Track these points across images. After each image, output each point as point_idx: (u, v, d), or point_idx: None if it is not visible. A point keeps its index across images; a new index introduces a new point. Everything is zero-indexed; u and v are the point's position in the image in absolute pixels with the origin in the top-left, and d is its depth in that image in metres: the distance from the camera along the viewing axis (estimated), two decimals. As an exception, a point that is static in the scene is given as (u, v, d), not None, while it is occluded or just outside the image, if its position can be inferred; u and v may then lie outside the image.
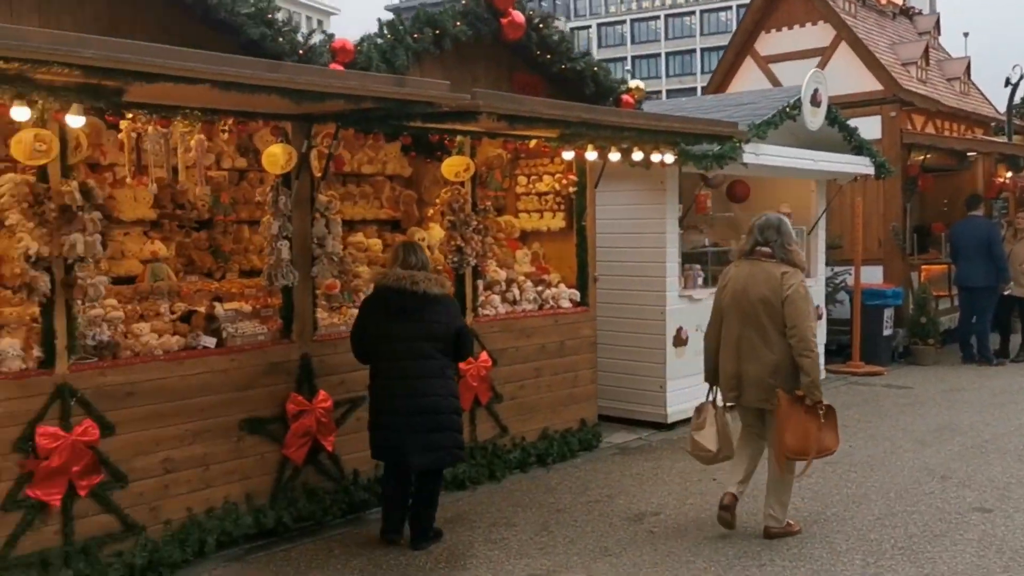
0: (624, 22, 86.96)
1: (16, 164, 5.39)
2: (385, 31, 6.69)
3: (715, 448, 6.30)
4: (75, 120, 4.93)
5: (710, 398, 6.44)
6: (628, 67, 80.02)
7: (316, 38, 6.18)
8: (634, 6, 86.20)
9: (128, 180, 5.97)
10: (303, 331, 6.64)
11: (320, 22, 74.94)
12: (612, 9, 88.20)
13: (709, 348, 6.40)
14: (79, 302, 5.40)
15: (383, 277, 6.22)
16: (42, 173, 5.32)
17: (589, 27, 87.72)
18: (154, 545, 5.73)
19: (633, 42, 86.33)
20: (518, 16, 7.54)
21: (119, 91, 4.70)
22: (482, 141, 8.12)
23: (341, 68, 6.08)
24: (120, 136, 5.75)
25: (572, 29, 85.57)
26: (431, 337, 6.02)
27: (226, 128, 6.07)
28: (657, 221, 9.55)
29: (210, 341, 6.17)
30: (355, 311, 7.07)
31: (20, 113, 4.53)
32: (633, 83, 8.76)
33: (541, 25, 7.80)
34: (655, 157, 8.20)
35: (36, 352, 5.36)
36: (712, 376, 6.41)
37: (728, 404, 6.34)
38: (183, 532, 5.90)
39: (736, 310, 6.16)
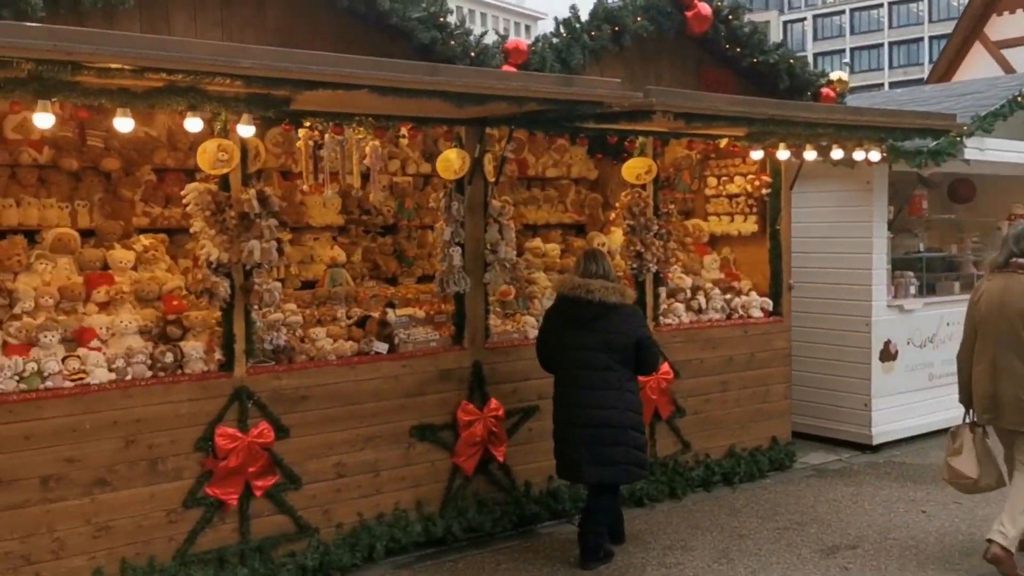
0: (843, 12, 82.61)
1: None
2: (561, 30, 6.47)
3: (975, 475, 5.76)
4: (246, 130, 5.04)
5: (967, 420, 5.89)
6: (847, 59, 75.90)
7: (489, 40, 6.05)
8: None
9: (305, 187, 6.08)
10: (475, 338, 6.54)
11: (528, 27, 76.17)
12: (830, 0, 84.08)
13: (962, 367, 5.88)
14: (255, 307, 5.52)
15: (562, 285, 6.04)
16: (224, 182, 5.49)
17: (804, 19, 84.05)
18: (325, 548, 5.80)
19: (852, 32, 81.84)
20: (704, 8, 7.11)
21: (287, 100, 4.75)
22: (669, 142, 7.75)
23: (513, 70, 5.91)
24: (298, 144, 5.86)
25: (786, 22, 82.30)
26: (608, 347, 5.77)
27: (401, 134, 6.05)
28: (863, 224, 8.77)
29: (382, 347, 6.19)
30: (529, 318, 6.93)
31: (193, 124, 4.66)
32: (835, 75, 8.08)
33: (730, 17, 7.33)
34: (858, 155, 7.51)
35: (217, 355, 5.55)
36: (966, 397, 5.85)
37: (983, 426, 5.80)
38: (353, 536, 5.94)
39: (991, 326, 5.59)
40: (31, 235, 6.28)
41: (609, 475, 5.81)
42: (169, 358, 5.38)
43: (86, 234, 6.34)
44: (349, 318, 6.48)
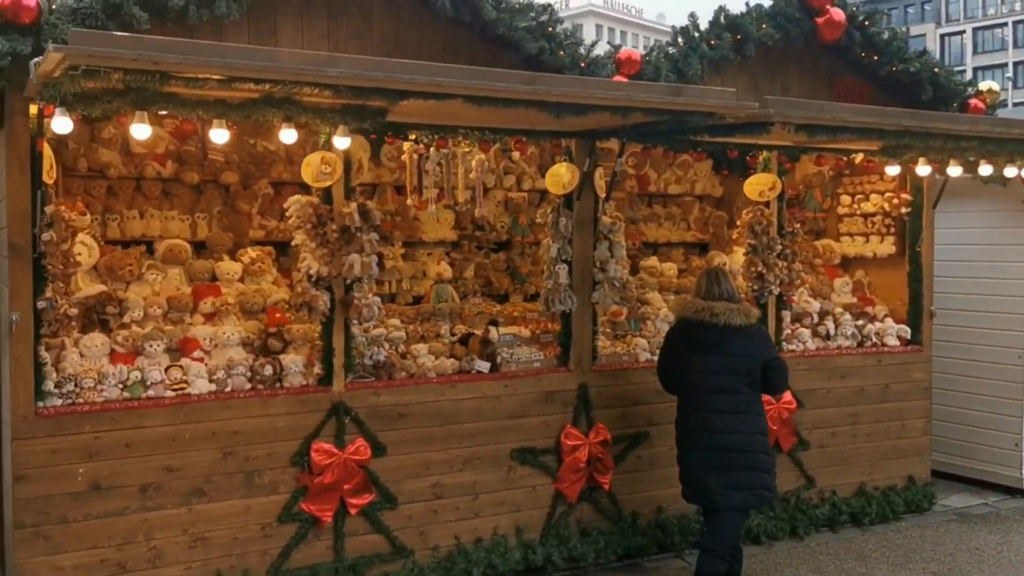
0: (1005, 24, 77.99)
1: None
2: (679, 39, 6.16)
3: None
4: (342, 142, 4.97)
5: None
6: (1009, 73, 71.54)
7: (600, 49, 5.81)
8: (1017, 7, 77.06)
9: (408, 201, 5.99)
10: (581, 360, 6.28)
11: (656, 43, 75.04)
12: (991, 12, 79.56)
13: None
14: (355, 321, 5.44)
15: (683, 307, 5.73)
16: (327, 195, 5.45)
17: (963, 32, 79.81)
18: (420, 570, 5.66)
19: (1016, 46, 77.13)
20: (837, 13, 6.65)
21: (382, 111, 4.65)
22: (800, 158, 7.30)
23: (624, 80, 5.65)
24: (403, 158, 5.78)
25: (943, 35, 78.33)
26: (734, 371, 5.50)
27: (508, 147, 5.89)
28: (1016, 248, 8.02)
29: (484, 366, 6.01)
30: (641, 340, 6.63)
31: (288, 135, 4.62)
32: (984, 85, 7.42)
33: (866, 22, 6.83)
34: (1009, 171, 6.86)
35: (316, 369, 5.50)
36: None
37: None
38: (449, 560, 5.77)
39: None
40: (152, 246, 6.46)
41: (741, 500, 5.52)
42: (268, 371, 5.36)
43: (201, 246, 6.47)
44: (453, 335, 6.35)
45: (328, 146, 5.34)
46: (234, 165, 7.33)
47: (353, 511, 5.50)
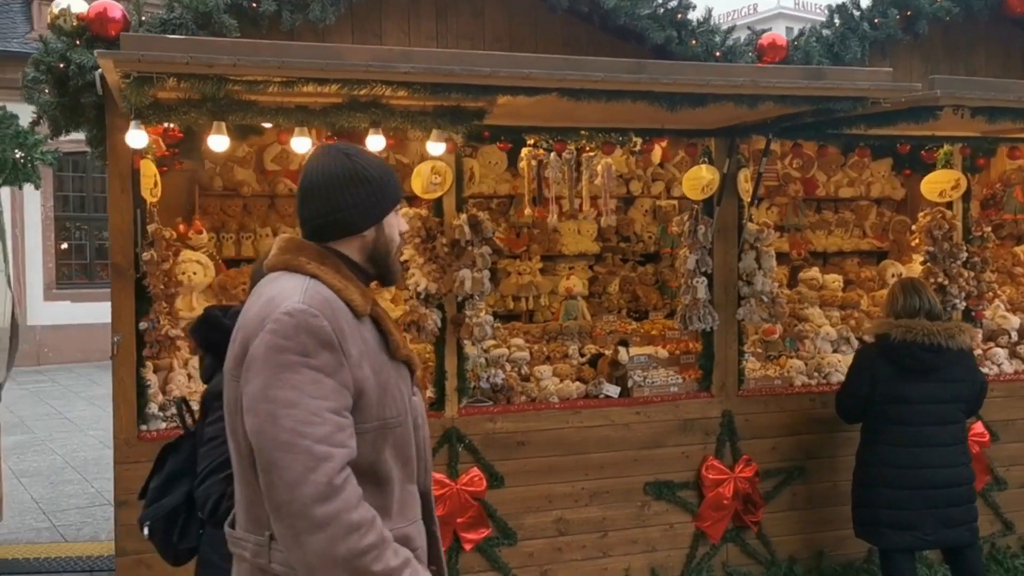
0: None
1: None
2: (835, 19, 5.40)
3: None
4: (435, 147, 4.59)
5: None
6: None
7: (738, 36, 5.17)
8: None
9: (527, 211, 5.54)
10: (725, 384, 5.61)
11: (809, 26, 71.04)
12: None
13: None
14: (467, 341, 5.06)
15: (888, 328, 4.90)
16: (437, 207, 5.10)
17: None
18: (542, 613, 5.17)
19: None
20: (1030, -20, 5.67)
21: (480, 112, 4.24)
22: (997, 151, 6.33)
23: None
24: (521, 165, 5.36)
25: None
26: (956, 399, 4.89)
27: (635, 148, 5.34)
28: None
29: (613, 390, 5.47)
30: (797, 362, 5.88)
31: (376, 142, 4.29)
32: None
33: (1068, -11, 5.79)
34: None
35: (428, 392, 5.14)
36: None
37: None
38: (575, 603, 5.26)
39: None
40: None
41: (956, 537, 4.87)
42: (377, 394, 5.05)
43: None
44: (582, 355, 5.84)
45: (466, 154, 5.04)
46: (366, 179, 7.16)
47: (468, 547, 5.10)
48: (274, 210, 7.14)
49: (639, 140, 5.32)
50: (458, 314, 5.09)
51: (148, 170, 4.62)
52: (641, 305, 7.55)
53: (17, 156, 6.49)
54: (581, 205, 5.33)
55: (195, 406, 4.75)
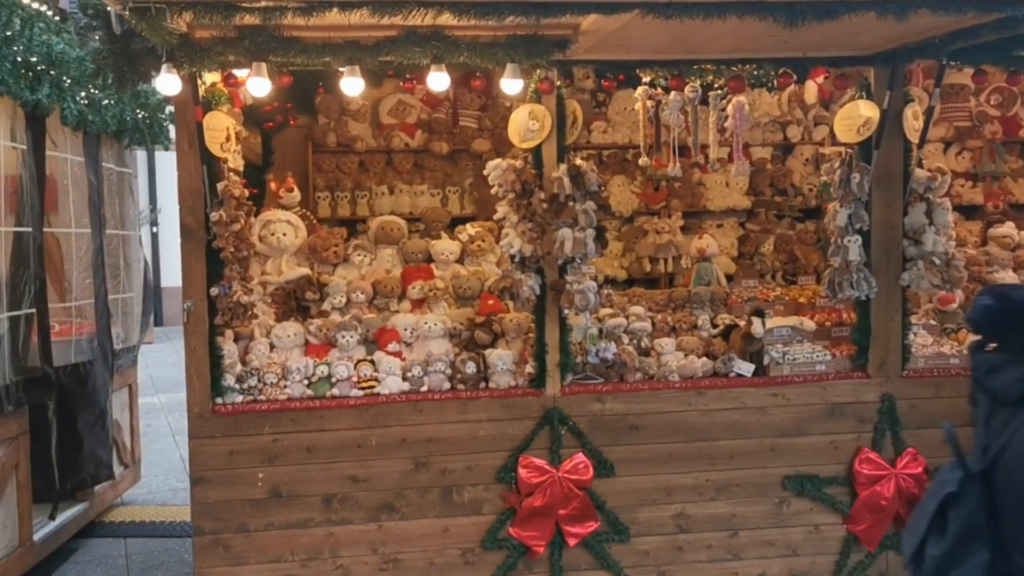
0: None
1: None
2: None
3: None
4: (511, 85, 3.95)
5: None
6: None
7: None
8: None
9: (642, 160, 4.79)
10: (885, 362, 4.71)
11: None
12: None
13: None
14: (567, 310, 4.43)
15: None
16: (537, 158, 4.48)
17: None
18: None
19: None
20: None
21: (562, 43, 3.57)
22: None
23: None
24: (636, 107, 4.63)
25: None
26: None
27: (771, 84, 4.51)
28: None
29: (746, 368, 4.69)
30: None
31: (438, 80, 3.69)
32: None
33: None
34: None
35: (528, 368, 4.57)
36: None
37: None
38: (699, 610, 4.58)
39: None
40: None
41: None
42: (470, 368, 4.54)
43: (459, 221, 5.81)
44: (714, 327, 5.08)
45: (537, 97, 4.40)
46: (487, 132, 6.64)
47: (572, 541, 4.52)
48: (391, 167, 6.74)
49: (774, 73, 4.46)
50: (558, 280, 4.46)
51: (218, 123, 4.24)
52: (799, 267, 6.66)
53: (140, 116, 6.36)
54: (704, 153, 4.55)
55: (271, 379, 4.43)
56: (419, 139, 6.59)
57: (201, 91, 4.21)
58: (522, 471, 4.48)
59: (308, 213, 5.35)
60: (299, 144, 6.68)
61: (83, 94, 5.41)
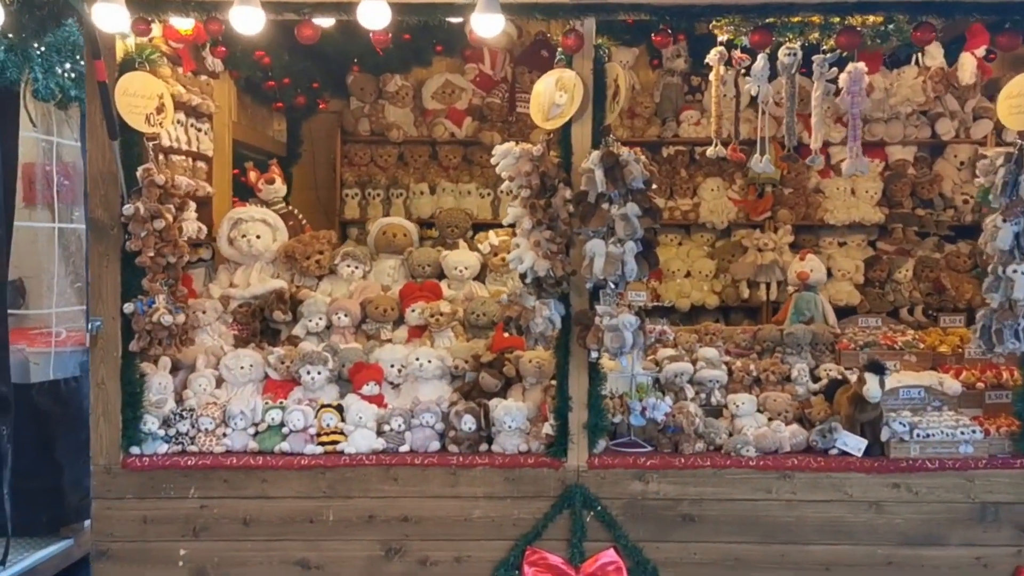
0: None
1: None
2: None
3: None
4: (485, 22, 2.74)
5: None
6: None
7: None
8: None
9: (712, 149, 3.47)
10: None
11: None
12: None
13: None
14: (594, 351, 3.19)
15: None
16: (564, 141, 3.28)
17: None
18: None
19: None
20: None
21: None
22: None
23: None
24: (711, 77, 3.34)
25: None
26: None
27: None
28: None
29: (857, 444, 3.34)
30: None
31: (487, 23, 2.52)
32: None
33: None
34: None
35: (546, 428, 3.36)
36: None
37: None
38: None
39: None
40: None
41: None
42: (468, 424, 3.37)
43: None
44: (814, 380, 3.72)
45: (567, 62, 3.22)
46: (550, 120, 5.42)
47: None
48: (435, 161, 5.64)
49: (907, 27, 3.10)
50: (584, 311, 3.24)
51: (144, 87, 3.24)
52: (946, 301, 5.18)
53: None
54: (815, 142, 3.22)
55: (207, 424, 3.38)
56: (468, 128, 5.46)
57: (123, 44, 3.23)
58: (529, 569, 3.28)
59: (294, 210, 4.30)
60: (332, 132, 5.68)
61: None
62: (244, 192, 4.44)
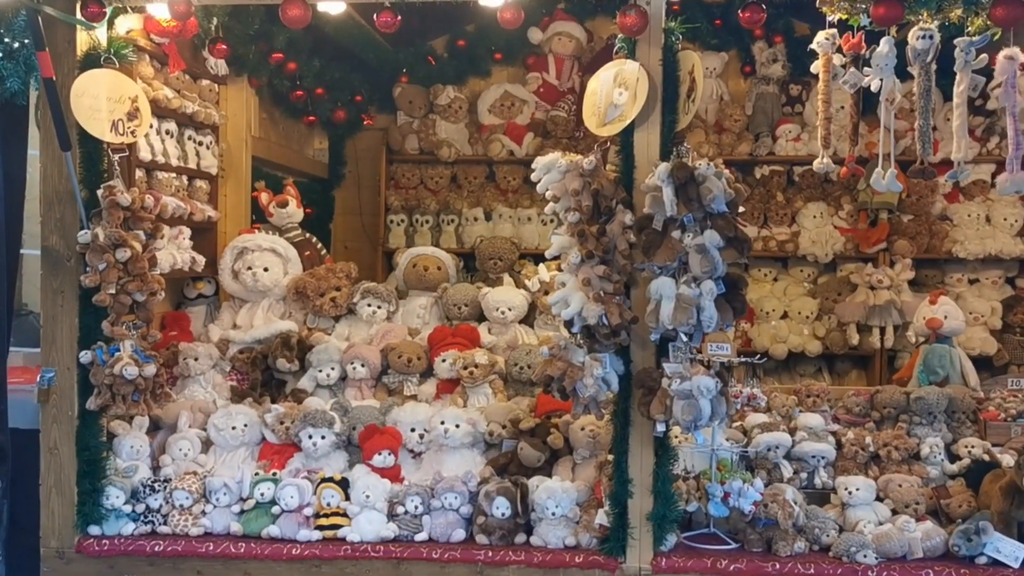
0: None
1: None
2: None
3: None
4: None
5: None
6: None
7: None
8: None
9: (818, 162, 2.64)
10: None
11: None
12: None
13: None
14: (659, 422, 2.45)
15: None
16: (626, 152, 2.58)
17: None
18: None
19: None
20: None
21: None
22: None
23: None
24: (816, 66, 2.57)
25: None
26: None
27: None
28: None
29: (1014, 550, 2.50)
30: None
31: None
32: None
33: None
34: None
35: (600, 517, 2.62)
36: None
37: None
38: None
39: None
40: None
41: None
42: (500, 509, 2.66)
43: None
44: (953, 459, 2.89)
45: (630, 49, 2.53)
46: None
47: None
48: (492, 183, 4.97)
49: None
50: (647, 370, 2.50)
51: (112, 88, 2.66)
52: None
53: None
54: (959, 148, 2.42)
55: (183, 499, 2.73)
56: (529, 145, 4.78)
57: (89, 37, 2.68)
58: None
59: (312, 238, 3.67)
60: (378, 151, 5.08)
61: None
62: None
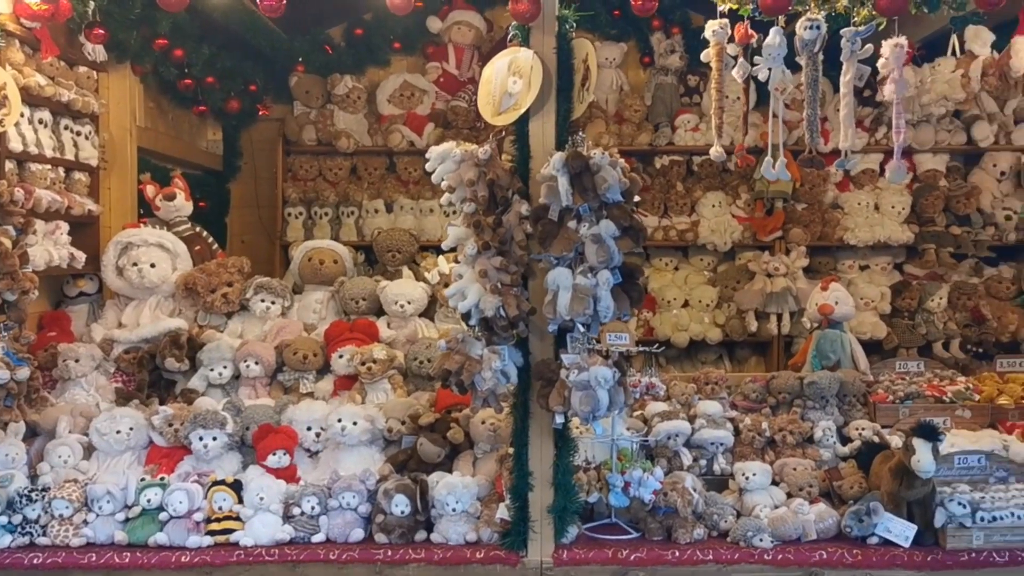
0: None
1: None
2: None
3: None
4: None
5: None
6: None
7: None
8: None
9: (714, 150, 2.64)
10: None
11: None
12: None
13: None
14: (558, 414, 2.43)
15: None
16: (521, 142, 2.54)
17: None
18: None
19: None
20: None
21: None
22: None
23: None
24: (707, 54, 2.56)
25: None
26: None
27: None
28: None
29: (902, 530, 2.58)
30: None
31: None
32: None
33: None
34: None
35: (501, 511, 2.59)
36: None
37: None
38: None
39: None
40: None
41: None
42: (399, 507, 2.60)
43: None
44: (844, 441, 2.96)
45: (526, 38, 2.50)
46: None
47: None
48: (392, 174, 4.89)
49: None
50: (545, 361, 2.48)
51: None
52: (988, 333, 4.43)
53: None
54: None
55: (63, 508, 2.58)
56: (430, 136, 4.72)
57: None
58: None
59: (202, 232, 3.54)
60: (274, 142, 4.94)
61: None
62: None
